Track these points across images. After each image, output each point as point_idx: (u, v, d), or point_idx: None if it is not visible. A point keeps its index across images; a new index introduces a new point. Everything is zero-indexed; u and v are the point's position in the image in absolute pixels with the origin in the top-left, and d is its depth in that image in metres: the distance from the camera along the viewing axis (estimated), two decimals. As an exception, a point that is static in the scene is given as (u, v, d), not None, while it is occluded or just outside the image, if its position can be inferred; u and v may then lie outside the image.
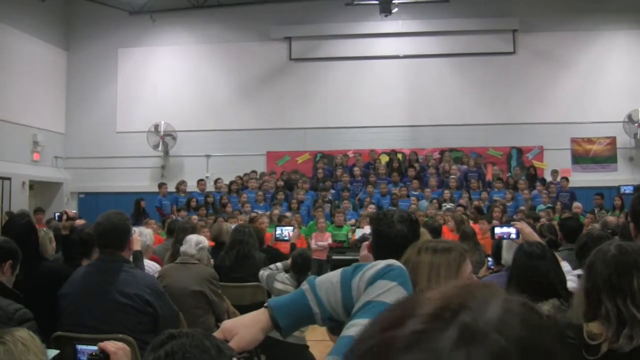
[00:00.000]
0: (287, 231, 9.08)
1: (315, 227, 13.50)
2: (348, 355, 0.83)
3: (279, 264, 6.73)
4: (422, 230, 3.68)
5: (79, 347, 2.76)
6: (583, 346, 2.79)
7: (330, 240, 13.08)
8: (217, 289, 6.15)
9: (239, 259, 7.26)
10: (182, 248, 6.28)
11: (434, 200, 15.03)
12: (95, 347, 2.50)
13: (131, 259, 4.96)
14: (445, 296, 0.80)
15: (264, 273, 6.58)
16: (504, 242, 4.88)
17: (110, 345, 2.46)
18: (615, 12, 18.51)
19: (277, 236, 9.04)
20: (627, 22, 18.60)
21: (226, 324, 1.90)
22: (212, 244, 8.09)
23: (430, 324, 0.76)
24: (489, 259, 6.38)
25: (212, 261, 7.02)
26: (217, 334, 1.84)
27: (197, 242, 6.28)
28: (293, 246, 8.53)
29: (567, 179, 16.69)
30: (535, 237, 4.28)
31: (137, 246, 5.45)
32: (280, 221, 12.50)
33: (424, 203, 15.36)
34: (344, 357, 0.81)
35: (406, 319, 0.77)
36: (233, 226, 8.22)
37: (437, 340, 0.73)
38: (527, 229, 4.35)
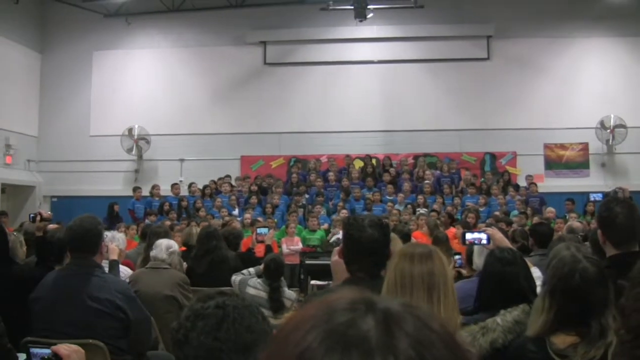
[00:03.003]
0: (264, 232, 9.15)
1: (285, 232, 13.52)
2: None
3: (251, 269, 6.71)
4: (393, 235, 3.71)
5: (33, 350, 2.75)
6: None
7: (300, 245, 13.10)
8: (189, 293, 6.11)
9: (213, 265, 7.24)
10: (153, 253, 6.25)
11: (409, 206, 15.06)
12: (48, 351, 2.49)
13: (107, 268, 4.93)
14: (347, 296, 0.83)
15: (236, 278, 6.57)
16: (475, 247, 4.93)
17: (63, 349, 2.44)
18: (589, 20, 18.66)
19: (257, 239, 9.10)
20: (601, 29, 18.74)
21: None
22: (184, 248, 8.06)
23: (350, 313, 0.78)
24: (457, 256, 6.42)
25: (185, 265, 7.00)
26: None
27: (167, 246, 6.26)
28: (269, 248, 8.54)
29: (535, 184, 16.84)
30: (506, 242, 4.31)
31: (113, 255, 5.42)
32: (252, 226, 12.52)
33: (398, 208, 15.38)
34: None
35: (329, 314, 0.79)
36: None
37: (361, 325, 0.76)
38: (498, 235, 4.38)
